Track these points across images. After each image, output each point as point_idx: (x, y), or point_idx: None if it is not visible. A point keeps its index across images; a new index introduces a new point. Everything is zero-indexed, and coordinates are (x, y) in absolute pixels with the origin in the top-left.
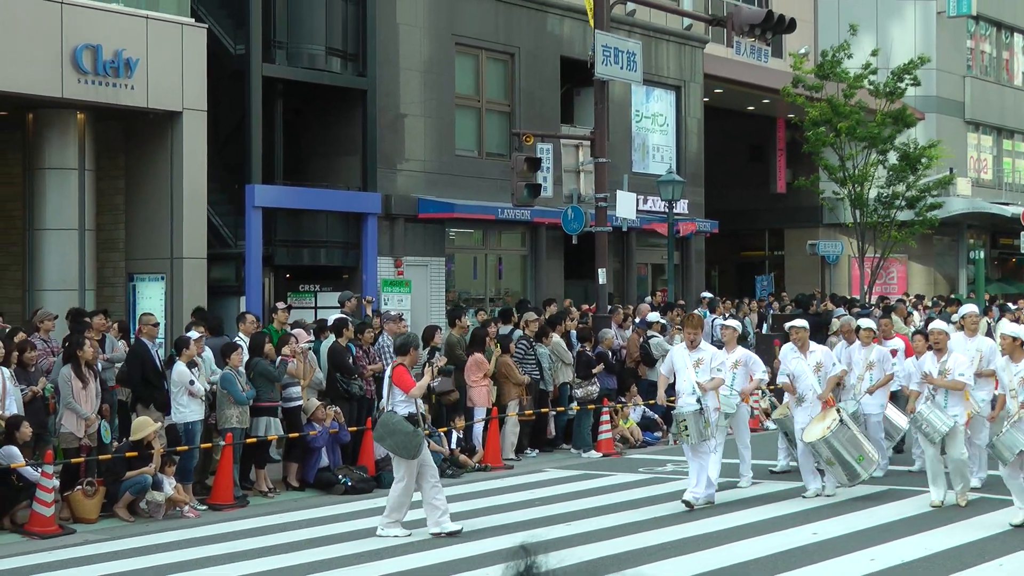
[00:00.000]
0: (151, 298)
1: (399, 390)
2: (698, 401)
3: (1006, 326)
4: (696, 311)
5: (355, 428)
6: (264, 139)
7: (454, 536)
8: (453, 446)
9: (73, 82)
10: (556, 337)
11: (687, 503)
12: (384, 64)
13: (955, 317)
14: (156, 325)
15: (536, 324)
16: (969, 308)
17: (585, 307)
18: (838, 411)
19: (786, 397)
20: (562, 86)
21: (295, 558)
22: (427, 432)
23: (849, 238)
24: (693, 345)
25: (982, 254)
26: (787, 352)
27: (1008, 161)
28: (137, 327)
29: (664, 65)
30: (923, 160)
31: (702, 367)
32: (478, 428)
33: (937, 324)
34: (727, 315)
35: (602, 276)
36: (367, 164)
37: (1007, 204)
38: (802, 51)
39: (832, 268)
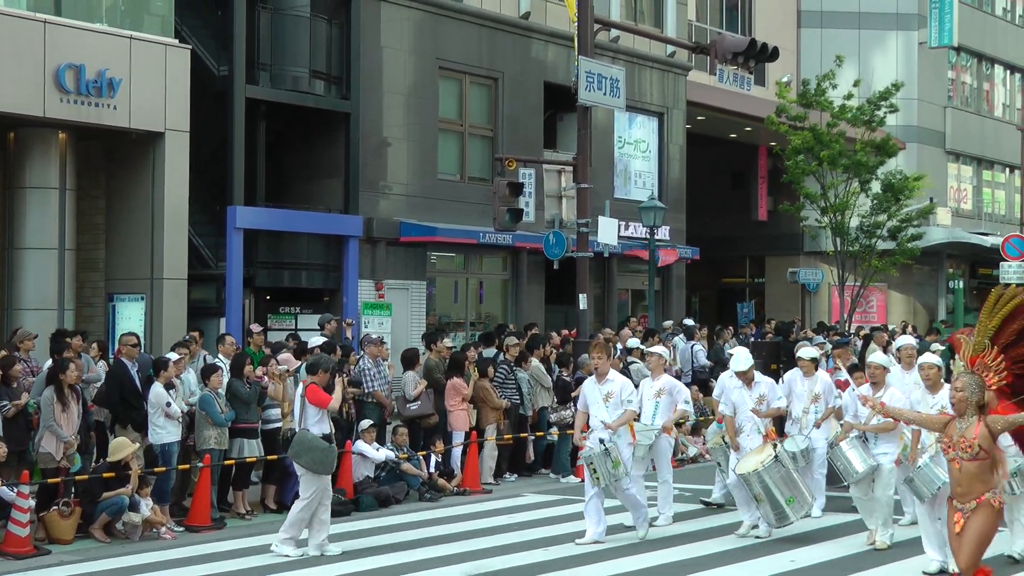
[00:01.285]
0: (131, 318)
1: (313, 408)
2: (601, 441)
3: (927, 356)
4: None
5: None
6: (246, 161)
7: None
8: (432, 470)
9: (55, 101)
10: (535, 361)
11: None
12: (368, 87)
13: (892, 349)
14: (136, 345)
15: (517, 348)
16: (905, 340)
17: (566, 332)
18: (775, 447)
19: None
20: (545, 111)
21: None
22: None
23: (829, 266)
24: (600, 375)
25: (961, 284)
26: (728, 383)
27: (988, 191)
28: (116, 347)
29: (647, 92)
30: (906, 191)
31: (612, 400)
32: (457, 452)
33: (874, 357)
34: (669, 339)
35: (583, 301)
36: (349, 187)
37: (986, 234)
38: (785, 79)
39: (812, 296)
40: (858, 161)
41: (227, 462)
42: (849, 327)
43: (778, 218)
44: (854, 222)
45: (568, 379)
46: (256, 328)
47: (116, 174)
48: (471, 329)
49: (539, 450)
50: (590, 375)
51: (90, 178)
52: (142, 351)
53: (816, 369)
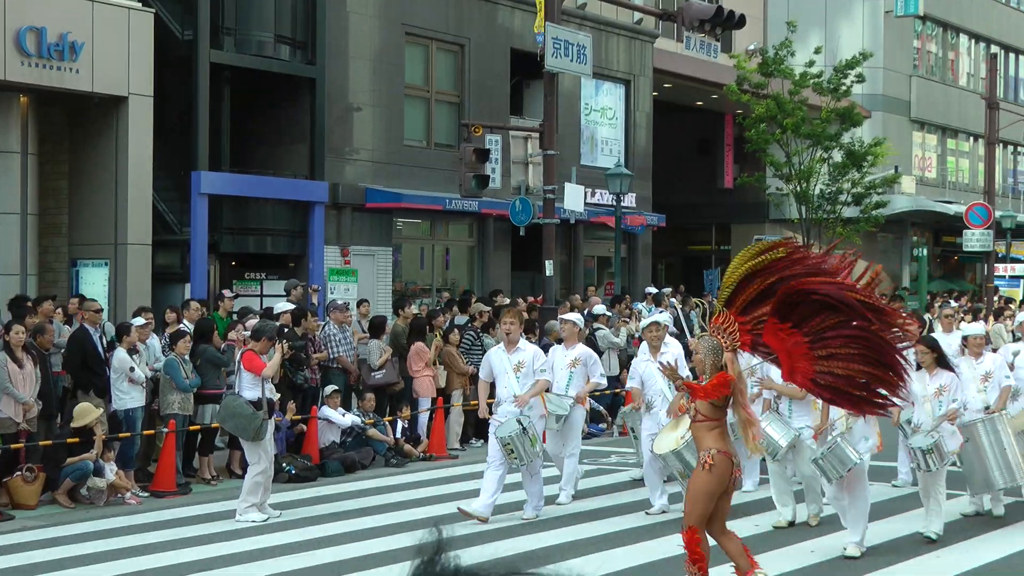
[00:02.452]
0: (94, 284)
1: (248, 374)
2: (518, 421)
3: None
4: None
5: (300, 417)
6: (211, 126)
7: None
8: (398, 435)
9: (16, 65)
10: (500, 327)
11: (479, 519)
12: (333, 53)
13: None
14: (99, 311)
15: (487, 315)
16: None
17: (532, 299)
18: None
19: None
20: (512, 78)
21: (237, 546)
22: (277, 418)
23: (795, 234)
24: (511, 342)
25: (925, 251)
26: (639, 354)
27: (952, 160)
28: (79, 313)
29: (614, 59)
30: (868, 158)
31: (523, 370)
32: (423, 418)
33: None
34: (586, 310)
35: (549, 268)
36: (315, 153)
37: (950, 203)
38: (751, 47)
39: None
40: (816, 131)
41: (192, 428)
42: None
43: (743, 186)
44: (818, 190)
45: (534, 343)
46: (228, 294)
47: (79, 139)
48: (436, 296)
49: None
50: (557, 342)
51: (53, 143)
52: (105, 318)
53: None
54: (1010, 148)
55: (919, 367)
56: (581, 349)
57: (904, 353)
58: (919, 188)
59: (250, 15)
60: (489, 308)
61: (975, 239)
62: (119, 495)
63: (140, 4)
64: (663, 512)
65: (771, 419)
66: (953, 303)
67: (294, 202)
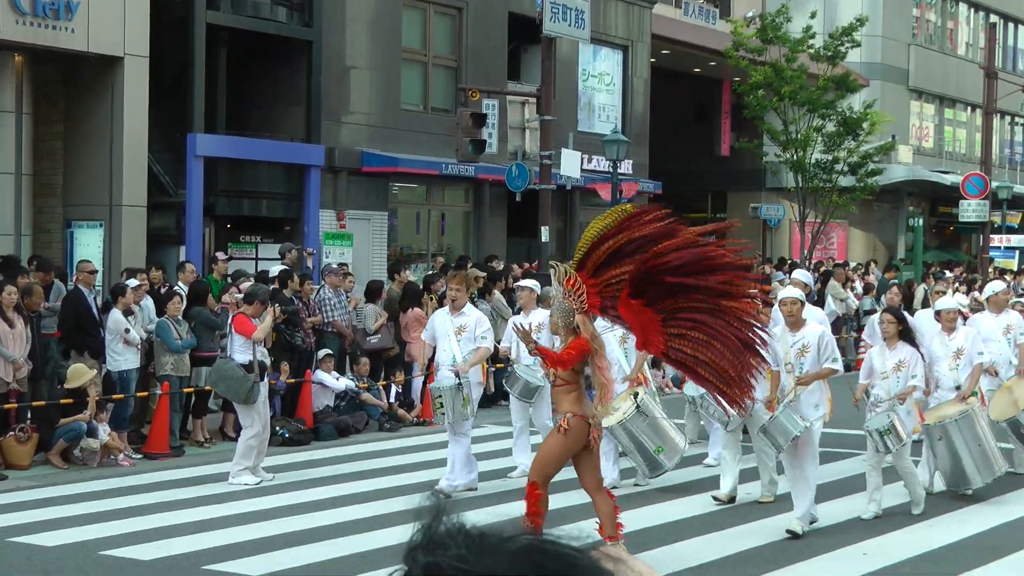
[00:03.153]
0: (89, 245)
1: (239, 337)
2: (456, 375)
3: (788, 290)
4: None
5: (294, 380)
6: (207, 88)
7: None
8: (391, 400)
9: (11, 23)
10: (497, 293)
11: (442, 492)
12: (330, 15)
13: (981, 296)
14: (93, 272)
15: (482, 281)
16: (798, 274)
17: (528, 264)
18: (635, 396)
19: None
20: (509, 42)
21: (230, 508)
22: (272, 381)
23: (791, 202)
24: (456, 307)
25: (921, 221)
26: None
27: (949, 130)
28: (74, 274)
29: (612, 24)
30: (863, 125)
31: (464, 334)
32: (417, 383)
33: (789, 292)
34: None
35: (545, 234)
36: (311, 116)
37: (947, 172)
38: (749, 14)
39: (773, 232)
40: (812, 98)
41: (186, 390)
42: (810, 263)
43: (740, 154)
44: (814, 158)
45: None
46: (222, 256)
47: (74, 99)
48: (431, 261)
49: (498, 382)
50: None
51: (48, 103)
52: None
53: None
54: (1008, 118)
55: (883, 338)
56: (541, 314)
57: (756, 351)
58: (916, 158)
59: None
60: (484, 274)
61: (971, 210)
62: (112, 456)
63: None
64: (612, 487)
65: None
66: (948, 273)
67: (290, 165)
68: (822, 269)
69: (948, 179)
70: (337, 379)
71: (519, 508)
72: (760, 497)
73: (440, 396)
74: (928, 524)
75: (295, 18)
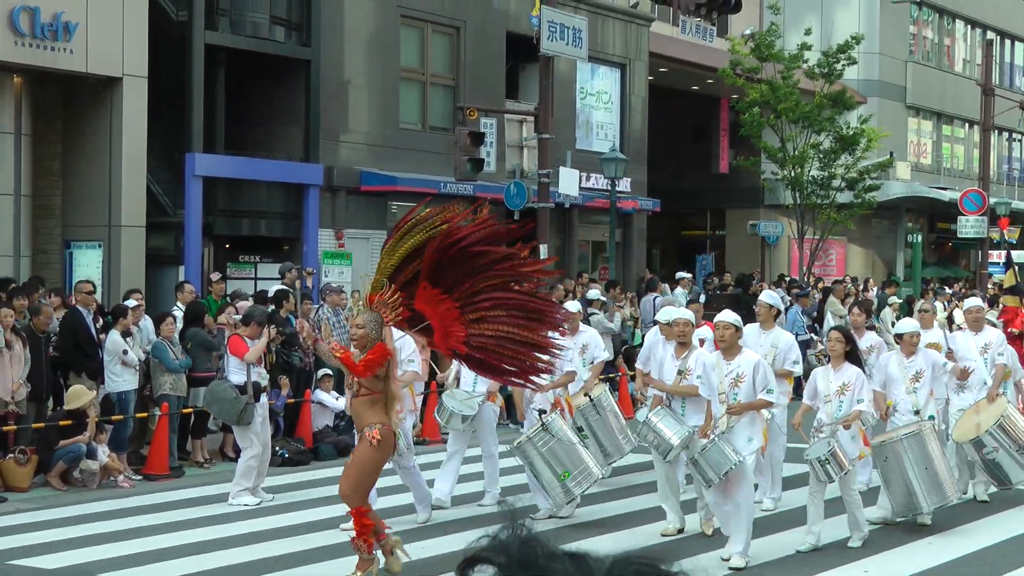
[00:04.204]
0: (88, 265)
1: (234, 358)
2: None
3: (723, 314)
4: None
5: (293, 400)
6: (205, 107)
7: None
8: None
9: (10, 44)
10: None
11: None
12: (328, 34)
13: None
14: (91, 293)
15: None
16: (765, 296)
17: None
18: (540, 414)
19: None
20: (507, 61)
21: (230, 529)
22: (271, 401)
23: (789, 219)
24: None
25: (920, 238)
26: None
27: (947, 146)
28: (72, 294)
29: (610, 43)
30: (860, 142)
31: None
32: (416, 402)
33: (723, 315)
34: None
35: (544, 252)
36: (309, 135)
37: (945, 189)
38: (747, 31)
39: (772, 249)
40: (807, 114)
41: (185, 411)
42: (808, 280)
43: (739, 171)
44: (811, 175)
45: None
46: (215, 277)
47: (73, 119)
48: None
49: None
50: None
51: (46, 123)
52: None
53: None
54: (1005, 135)
55: (826, 360)
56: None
57: (552, 320)
58: (914, 174)
59: None
60: None
61: (969, 226)
62: (112, 478)
63: None
64: (550, 517)
65: (663, 415)
66: (948, 289)
67: (288, 185)
68: (821, 286)
69: (946, 195)
70: (337, 399)
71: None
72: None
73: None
74: (934, 539)
75: (293, 37)
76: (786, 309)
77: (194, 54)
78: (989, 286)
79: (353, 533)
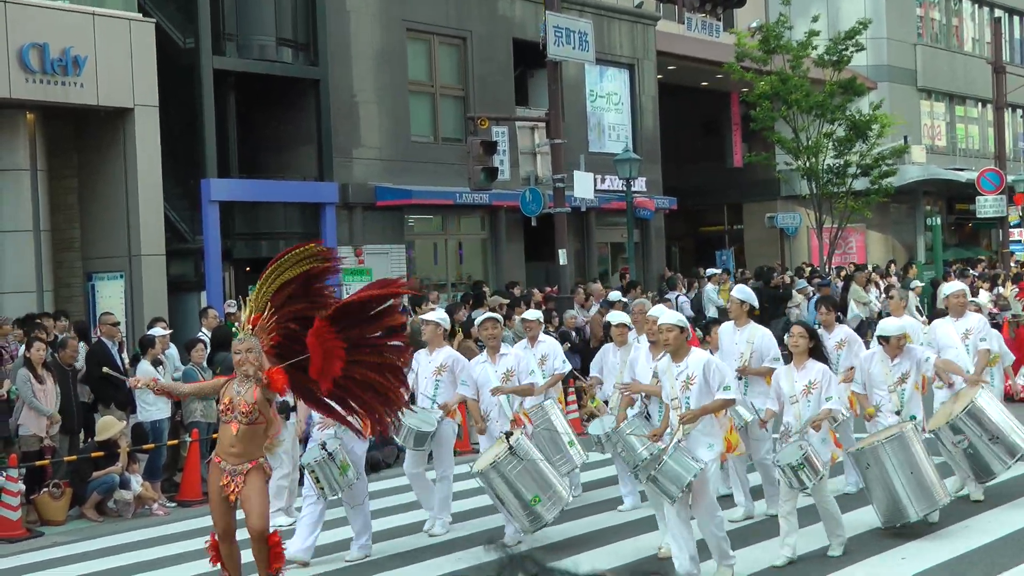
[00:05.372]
0: (110, 297)
1: None
2: (322, 446)
3: (663, 312)
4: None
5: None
6: (218, 132)
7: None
8: None
9: (21, 81)
10: (518, 319)
11: (301, 563)
12: (336, 52)
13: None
14: (116, 324)
15: (504, 307)
16: (737, 291)
17: (548, 288)
18: (507, 436)
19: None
20: (515, 68)
21: None
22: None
23: (807, 209)
24: None
25: (939, 220)
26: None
27: (961, 127)
28: (97, 326)
29: (616, 44)
30: (873, 127)
31: None
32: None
33: (664, 317)
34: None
35: (563, 257)
36: (322, 153)
37: (961, 170)
38: (754, 24)
39: (791, 240)
40: (819, 102)
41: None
42: (829, 269)
43: (753, 164)
44: (826, 164)
45: (553, 334)
46: (229, 306)
47: (87, 152)
48: (452, 290)
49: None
50: (574, 329)
51: (61, 158)
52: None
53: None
54: (1019, 112)
55: (788, 359)
56: (448, 352)
57: (399, 379)
58: (929, 157)
59: (251, 20)
60: (507, 300)
61: (988, 205)
62: (146, 506)
63: (141, 15)
64: (519, 544)
65: (634, 425)
66: (972, 271)
67: (304, 204)
68: (843, 273)
69: (963, 176)
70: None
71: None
72: (658, 552)
73: (313, 471)
74: (964, 525)
75: (300, 58)
76: (809, 299)
77: (203, 80)
78: (1012, 264)
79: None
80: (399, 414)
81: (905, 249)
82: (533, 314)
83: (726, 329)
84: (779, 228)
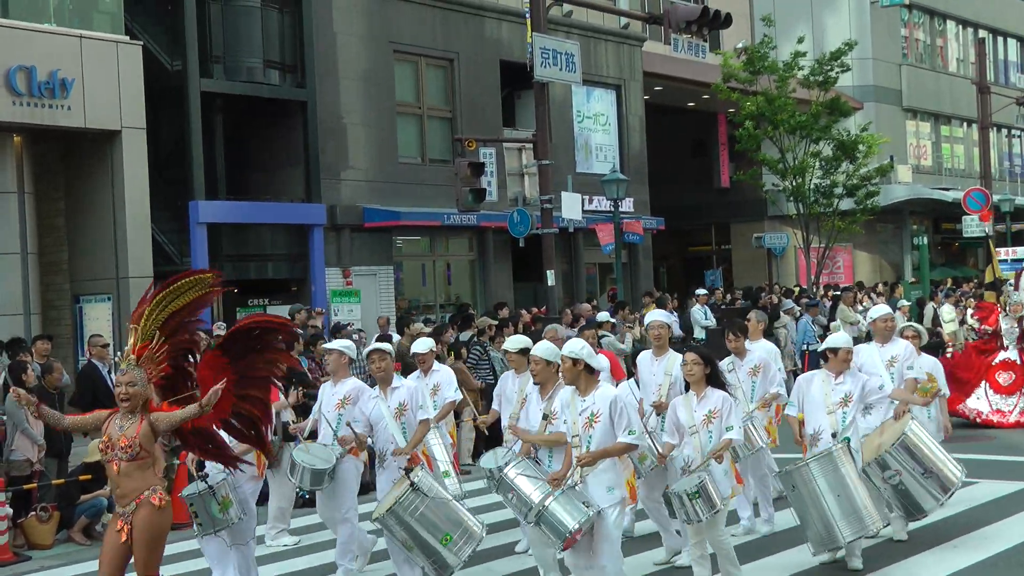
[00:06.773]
0: (98, 319)
1: None
2: (203, 478)
3: (562, 346)
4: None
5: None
6: (205, 154)
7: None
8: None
9: (8, 104)
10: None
11: None
12: (323, 74)
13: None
14: (105, 346)
15: (493, 328)
16: (654, 316)
17: (536, 309)
18: (408, 473)
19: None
20: (502, 90)
21: (266, 572)
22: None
23: (794, 229)
24: None
25: (926, 239)
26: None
27: (947, 147)
28: (86, 349)
29: (603, 65)
30: (860, 148)
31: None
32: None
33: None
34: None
35: (551, 278)
36: (310, 175)
37: (947, 189)
38: (740, 45)
39: (779, 260)
40: (803, 123)
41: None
42: (817, 289)
43: (741, 184)
44: (813, 184)
45: None
46: (218, 327)
47: (74, 175)
48: (440, 311)
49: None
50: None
51: (48, 180)
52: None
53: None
54: (1004, 131)
55: (686, 388)
56: (352, 384)
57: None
58: (916, 176)
59: (238, 42)
60: (496, 321)
61: (974, 224)
62: None
63: (128, 38)
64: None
65: (526, 467)
66: (959, 289)
67: (292, 226)
68: (831, 294)
69: (949, 195)
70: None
71: None
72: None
73: (192, 506)
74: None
75: (288, 80)
76: (797, 319)
77: (191, 102)
78: (1005, 288)
79: None
80: (291, 454)
81: (892, 268)
82: (424, 345)
83: (643, 359)
84: (766, 248)
